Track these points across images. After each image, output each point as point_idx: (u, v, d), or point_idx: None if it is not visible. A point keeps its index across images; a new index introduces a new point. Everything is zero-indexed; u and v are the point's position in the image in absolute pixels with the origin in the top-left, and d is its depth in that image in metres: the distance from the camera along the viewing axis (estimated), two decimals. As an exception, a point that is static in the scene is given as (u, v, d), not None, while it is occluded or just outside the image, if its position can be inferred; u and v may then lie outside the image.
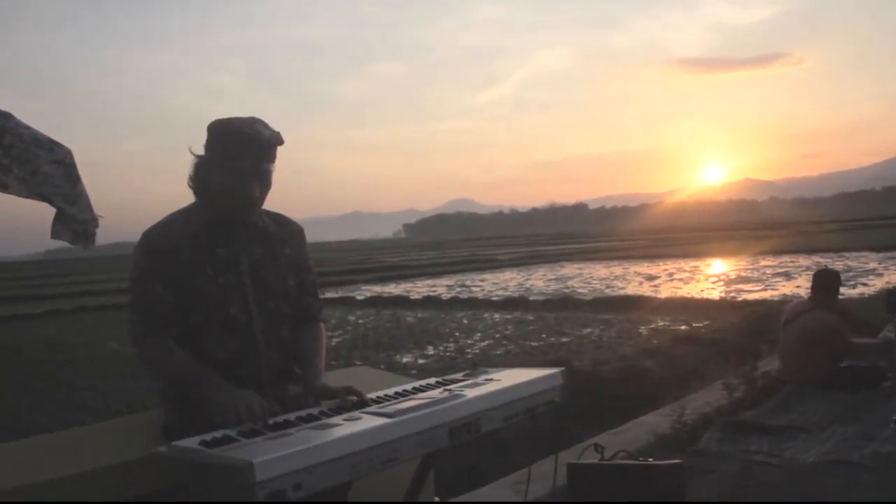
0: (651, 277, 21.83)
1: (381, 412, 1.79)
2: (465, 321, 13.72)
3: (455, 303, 17.17)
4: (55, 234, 3.55)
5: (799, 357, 5.32)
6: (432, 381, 2.27)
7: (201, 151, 2.31)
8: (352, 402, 2.12)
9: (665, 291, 17.03)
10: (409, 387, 2.20)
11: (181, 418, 2.18)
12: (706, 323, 11.07)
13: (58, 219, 3.50)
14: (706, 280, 20.04)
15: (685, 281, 20.01)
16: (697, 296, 15.53)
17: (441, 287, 22.76)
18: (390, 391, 2.14)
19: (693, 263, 27.17)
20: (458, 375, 2.32)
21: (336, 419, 1.80)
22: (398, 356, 10.11)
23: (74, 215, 3.44)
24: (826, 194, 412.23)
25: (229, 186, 2.25)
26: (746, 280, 18.97)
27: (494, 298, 17.24)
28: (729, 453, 4.02)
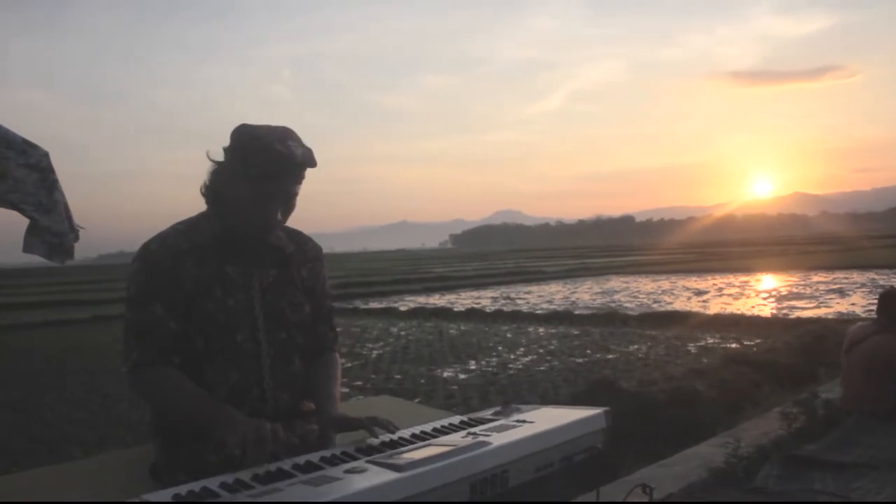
0: (700, 292, 21.30)
1: (390, 463, 1.52)
2: (509, 335, 13.44)
3: (499, 315, 16.87)
4: (27, 248, 3.24)
5: (864, 385, 4.93)
6: (456, 420, 1.98)
7: (220, 156, 2.03)
8: (377, 434, 1.88)
9: (714, 307, 16.53)
10: (428, 427, 1.92)
11: (170, 456, 1.94)
12: (758, 341, 10.66)
13: (31, 230, 3.17)
14: (757, 296, 19.47)
15: (735, 296, 19.46)
16: (748, 312, 15.03)
17: (485, 299, 22.47)
18: (406, 433, 1.87)
19: (743, 278, 26.52)
20: (488, 413, 2.03)
21: (337, 471, 1.53)
22: (438, 370, 9.87)
23: (48, 226, 3.13)
24: (879, 209, 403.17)
25: (250, 207, 1.98)
26: (799, 296, 18.40)
27: (539, 312, 16.91)
28: (790, 492, 3.69)
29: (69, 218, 3.31)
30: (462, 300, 22.49)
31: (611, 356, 10.23)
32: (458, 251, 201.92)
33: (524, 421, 1.84)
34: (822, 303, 16.63)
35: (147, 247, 2.03)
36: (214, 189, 2.06)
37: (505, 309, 18.09)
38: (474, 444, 1.62)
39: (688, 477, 3.94)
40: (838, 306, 15.58)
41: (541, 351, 11.19)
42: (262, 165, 1.93)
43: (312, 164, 2.01)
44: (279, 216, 2.01)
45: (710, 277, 27.80)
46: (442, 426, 1.91)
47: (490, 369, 9.75)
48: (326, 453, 1.72)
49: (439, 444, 1.68)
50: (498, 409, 2.07)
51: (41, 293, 36.54)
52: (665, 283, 26.43)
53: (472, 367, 10.03)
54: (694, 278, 27.94)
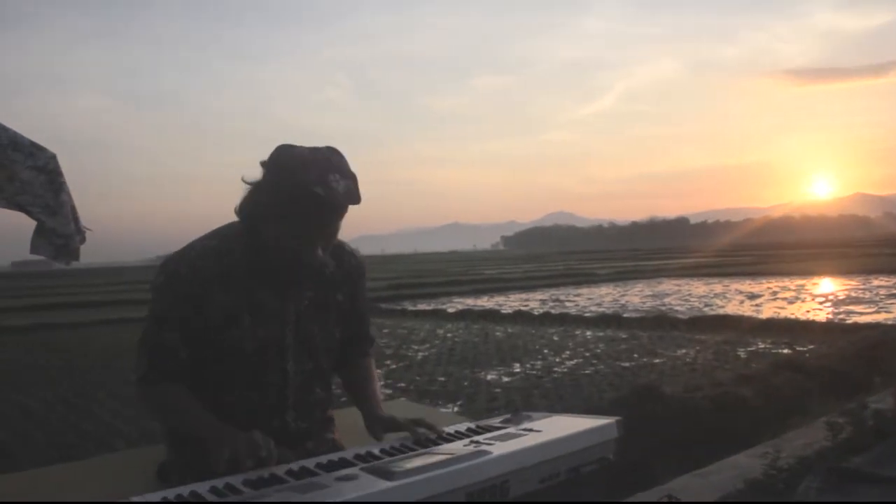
0: (753, 296, 20.87)
1: (383, 471, 1.47)
2: (556, 338, 13.32)
3: (546, 318, 16.73)
4: (34, 249, 3.26)
5: (918, 394, 4.76)
6: (463, 427, 1.92)
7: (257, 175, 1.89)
8: (424, 435, 1.85)
9: (767, 311, 16.16)
10: (433, 434, 1.87)
11: (180, 457, 1.92)
12: (811, 347, 10.39)
13: (38, 232, 3.20)
14: (812, 299, 18.99)
15: (789, 300, 19.00)
16: (802, 317, 14.67)
17: (534, 301, 22.32)
18: (410, 439, 1.83)
19: (799, 281, 25.90)
20: (496, 421, 1.97)
21: (329, 478, 1.49)
22: (483, 373, 9.82)
23: (55, 228, 3.15)
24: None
25: (286, 245, 1.86)
26: (857, 301, 17.89)
27: (587, 315, 16.73)
28: (831, 504, 3.56)
29: (76, 220, 3.33)
30: (510, 302, 22.39)
31: (658, 360, 10.07)
32: (509, 253, 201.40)
33: (531, 430, 1.78)
34: (881, 308, 16.16)
35: (174, 265, 1.93)
36: (248, 214, 1.93)
37: (553, 311, 17.93)
38: (474, 453, 1.57)
39: (722, 487, 3.82)
40: (899, 311, 15.14)
41: (587, 354, 11.06)
42: (300, 210, 1.82)
43: (355, 200, 1.85)
44: (320, 253, 1.91)
45: (764, 281, 27.22)
46: (448, 433, 1.86)
47: (535, 372, 9.67)
48: (323, 459, 1.68)
49: (437, 452, 1.63)
50: (508, 416, 2.00)
51: (103, 292, 37.40)
52: (718, 286, 25.96)
53: (517, 370, 9.96)
54: (748, 281, 27.40)
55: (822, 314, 15.29)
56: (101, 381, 10.33)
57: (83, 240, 3.41)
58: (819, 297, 19.78)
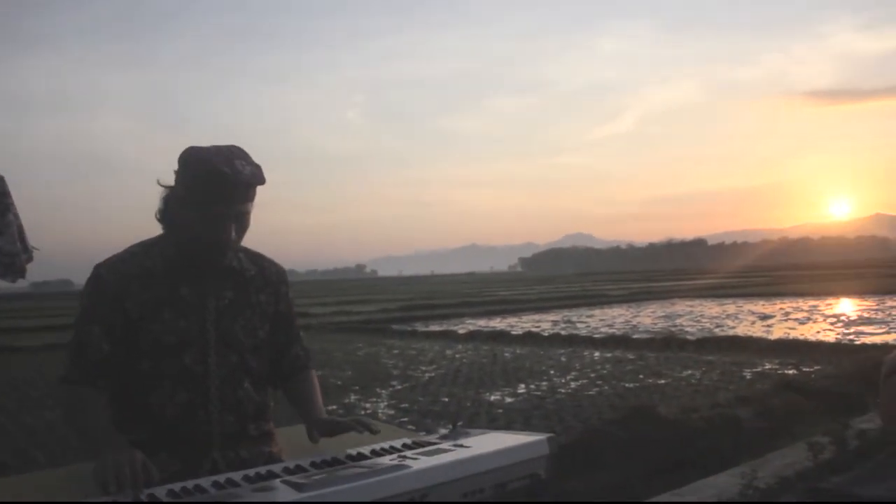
0: (765, 317, 20.78)
1: (298, 483, 1.51)
2: (563, 359, 13.31)
3: (555, 339, 16.70)
4: None
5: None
6: (399, 442, 1.96)
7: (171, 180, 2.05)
8: (362, 432, 1.97)
9: (778, 332, 16.11)
10: (366, 449, 1.91)
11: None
12: (817, 368, 10.36)
13: None
14: (824, 320, 18.87)
15: (801, 321, 18.92)
16: (812, 337, 14.62)
17: (546, 322, 22.29)
18: (342, 454, 1.85)
19: (812, 302, 25.77)
20: (434, 437, 2.01)
21: (247, 489, 1.54)
22: (487, 393, 9.84)
23: (1, 247, 3.26)
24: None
25: (202, 230, 1.98)
26: (869, 322, 17.80)
27: (597, 336, 16.70)
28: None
29: (22, 239, 3.43)
30: (522, 323, 22.37)
31: (662, 381, 10.05)
32: (525, 275, 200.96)
33: (461, 445, 1.82)
34: (893, 328, 16.08)
35: (98, 269, 2.06)
36: (167, 215, 2.08)
37: (563, 332, 17.91)
38: (392, 467, 1.61)
39: (700, 506, 3.85)
40: (910, 332, 15.04)
41: (592, 375, 11.06)
42: (211, 189, 1.94)
43: (261, 181, 2.01)
44: (234, 236, 2.02)
45: (777, 302, 27.09)
46: (381, 448, 1.91)
47: (538, 393, 9.67)
48: (251, 472, 1.73)
49: (359, 465, 1.67)
50: (445, 432, 2.05)
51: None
52: (731, 307, 25.85)
53: (521, 391, 9.97)
54: (761, 302, 27.28)
55: (831, 335, 15.22)
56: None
57: (30, 258, 3.51)
58: (831, 317, 19.66)
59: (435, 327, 22.09)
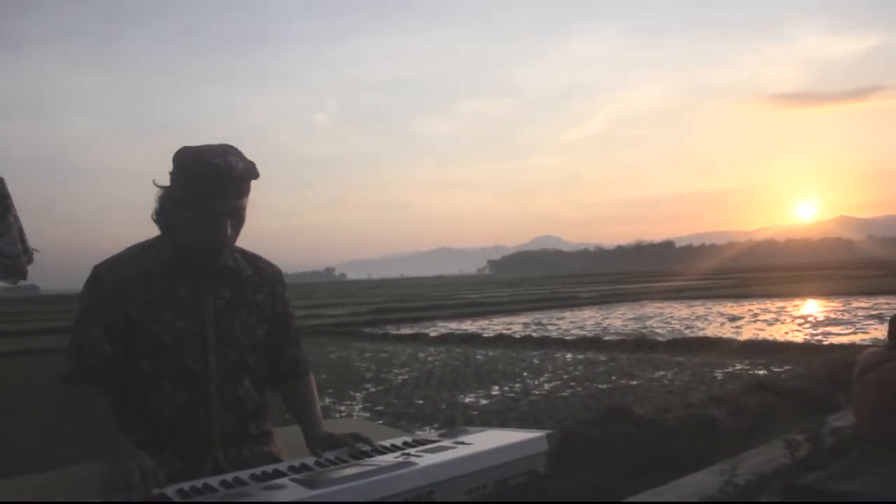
0: (734, 318, 21.02)
1: (309, 481, 1.52)
2: (536, 361, 13.36)
3: (528, 341, 16.78)
4: None
5: (876, 414, 4.81)
6: (400, 441, 1.98)
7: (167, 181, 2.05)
8: (361, 449, 1.92)
9: (747, 333, 16.31)
10: (368, 448, 1.93)
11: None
12: (787, 368, 10.51)
13: None
14: (792, 321, 19.14)
15: (770, 322, 19.17)
16: (781, 338, 14.82)
17: (517, 325, 22.35)
18: (345, 453, 1.88)
19: (780, 304, 26.12)
20: (433, 435, 2.04)
21: (257, 487, 1.55)
22: (461, 396, 9.86)
23: (1, 249, 3.26)
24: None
25: (198, 227, 1.99)
26: (836, 322, 18.09)
27: (568, 338, 16.79)
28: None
29: (23, 241, 3.43)
30: (493, 326, 22.42)
31: (634, 382, 10.14)
32: (495, 277, 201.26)
33: (462, 443, 1.84)
34: (859, 329, 16.35)
35: (97, 270, 2.07)
36: (163, 215, 2.08)
37: (534, 335, 17.99)
38: (399, 464, 1.63)
39: (680, 504, 3.89)
40: (875, 332, 15.24)
41: (565, 377, 11.12)
42: (205, 185, 1.95)
43: (255, 175, 2.02)
44: (230, 232, 2.03)
45: (745, 303, 27.42)
46: (383, 446, 1.92)
47: (512, 395, 9.71)
48: (258, 471, 1.74)
49: (367, 463, 1.69)
50: (443, 431, 2.07)
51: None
52: (700, 308, 26.12)
53: (495, 393, 10.00)
54: (730, 304, 27.60)
55: (800, 336, 15.43)
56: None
57: (30, 260, 3.50)
58: (799, 318, 19.94)
59: (406, 330, 22.07)
